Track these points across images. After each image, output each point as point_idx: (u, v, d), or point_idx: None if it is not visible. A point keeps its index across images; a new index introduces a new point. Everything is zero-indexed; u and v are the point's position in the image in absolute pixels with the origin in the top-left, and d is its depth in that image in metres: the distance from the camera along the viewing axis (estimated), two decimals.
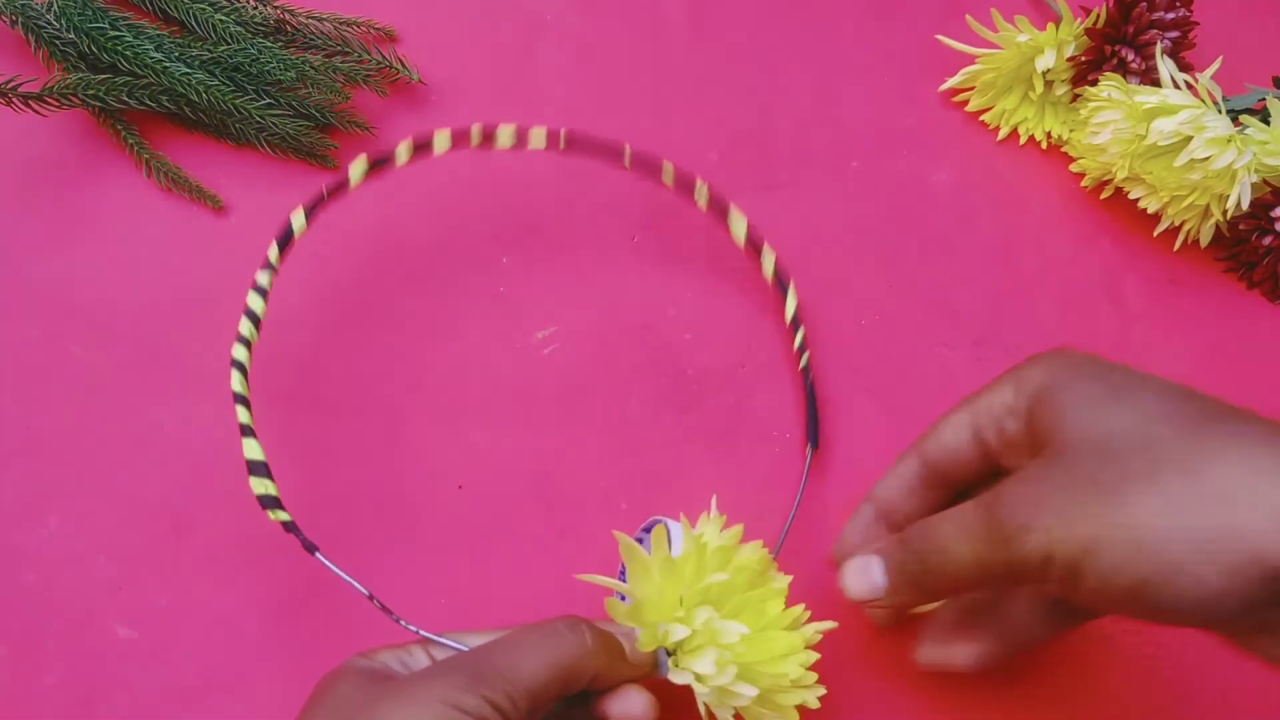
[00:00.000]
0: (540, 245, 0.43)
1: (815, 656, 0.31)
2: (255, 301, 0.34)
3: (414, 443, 0.39)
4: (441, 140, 0.38)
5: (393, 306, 0.41)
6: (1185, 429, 0.25)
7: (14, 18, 0.42)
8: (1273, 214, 0.42)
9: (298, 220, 0.36)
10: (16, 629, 0.35)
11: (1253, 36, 0.50)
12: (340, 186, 0.37)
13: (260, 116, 0.42)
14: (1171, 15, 0.43)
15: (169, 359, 0.39)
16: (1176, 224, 0.43)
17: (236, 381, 0.33)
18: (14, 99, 0.40)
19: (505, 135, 0.39)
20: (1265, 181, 0.41)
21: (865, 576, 0.30)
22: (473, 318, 0.41)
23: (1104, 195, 0.45)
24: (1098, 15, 0.44)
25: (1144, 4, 0.43)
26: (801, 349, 0.40)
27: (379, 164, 0.37)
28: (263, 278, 0.34)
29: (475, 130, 0.38)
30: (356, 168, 0.37)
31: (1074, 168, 0.46)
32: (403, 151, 0.37)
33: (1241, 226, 0.43)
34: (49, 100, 0.41)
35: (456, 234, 0.43)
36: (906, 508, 0.33)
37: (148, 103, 0.42)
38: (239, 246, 0.42)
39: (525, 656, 0.28)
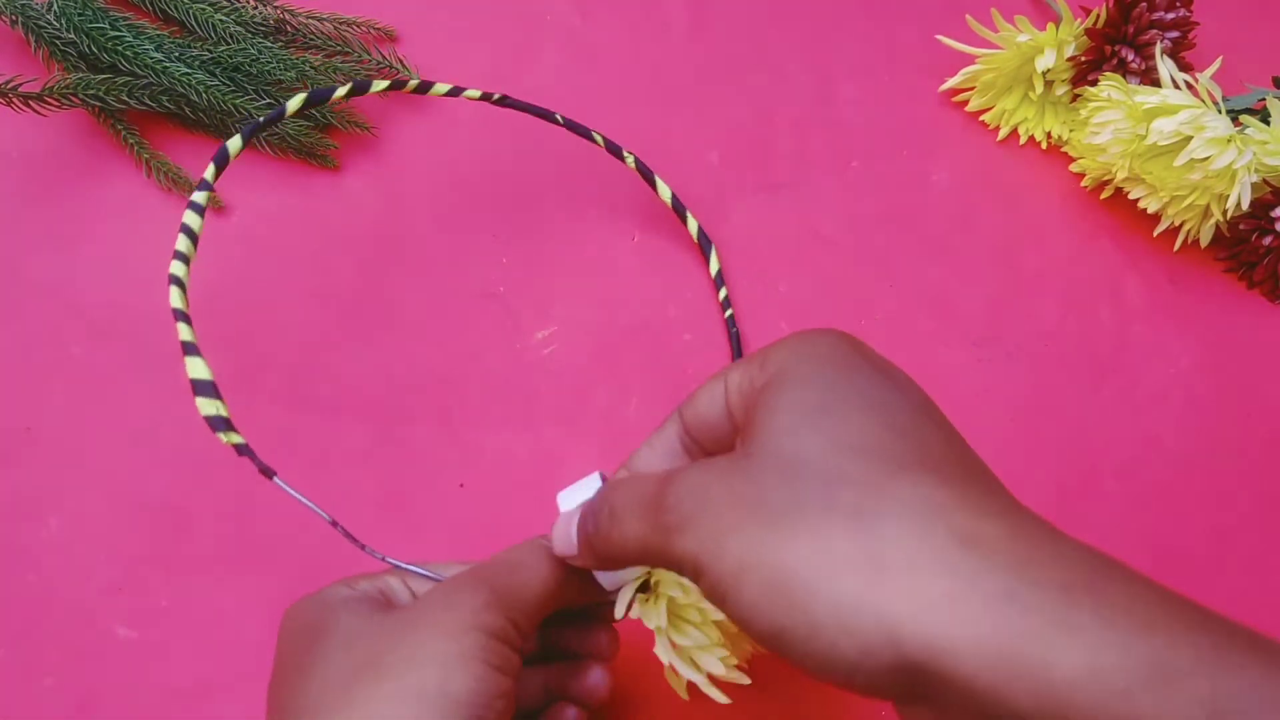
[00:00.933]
0: (540, 245, 0.43)
1: None
2: (191, 219, 0.32)
3: (414, 442, 0.39)
4: (378, 84, 0.38)
5: (393, 306, 0.41)
6: (875, 474, 0.21)
7: (14, 18, 0.42)
8: (1273, 214, 0.42)
9: (234, 144, 0.35)
10: (16, 629, 0.35)
11: (1253, 36, 0.50)
12: (278, 116, 0.36)
13: (260, 116, 0.42)
14: (1171, 15, 0.43)
15: (169, 359, 0.39)
16: (1176, 224, 0.43)
17: (175, 298, 0.31)
18: (14, 99, 0.40)
19: (441, 88, 0.39)
20: (1265, 181, 0.41)
21: (565, 531, 0.27)
22: (473, 318, 0.41)
23: (1104, 195, 0.45)
24: (1098, 15, 0.44)
25: (1144, 4, 0.43)
26: (726, 304, 0.41)
27: (319, 99, 0.36)
28: (199, 197, 0.33)
29: (413, 82, 0.39)
30: (294, 101, 0.36)
31: (1074, 168, 0.46)
32: (340, 91, 0.37)
33: (1241, 226, 0.43)
34: (49, 100, 0.41)
35: (456, 234, 0.43)
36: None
37: (148, 103, 0.42)
38: (239, 246, 0.42)
39: (530, 575, 0.27)
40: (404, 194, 0.43)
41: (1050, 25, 0.45)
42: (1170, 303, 0.44)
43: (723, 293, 0.41)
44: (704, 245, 0.41)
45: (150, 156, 0.42)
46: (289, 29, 0.45)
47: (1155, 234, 0.44)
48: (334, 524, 0.30)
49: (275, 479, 0.29)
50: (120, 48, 0.42)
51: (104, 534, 0.37)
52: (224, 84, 0.42)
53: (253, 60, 0.42)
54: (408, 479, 0.38)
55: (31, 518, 0.37)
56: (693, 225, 0.42)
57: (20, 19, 0.42)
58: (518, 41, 0.47)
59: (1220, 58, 0.43)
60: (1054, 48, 0.44)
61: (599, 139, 0.42)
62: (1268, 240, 0.43)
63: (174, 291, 0.31)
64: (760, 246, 0.44)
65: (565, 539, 0.27)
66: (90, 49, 0.42)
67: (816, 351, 0.24)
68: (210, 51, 0.43)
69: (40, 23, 0.42)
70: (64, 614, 0.35)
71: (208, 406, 0.30)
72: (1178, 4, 0.44)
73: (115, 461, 0.38)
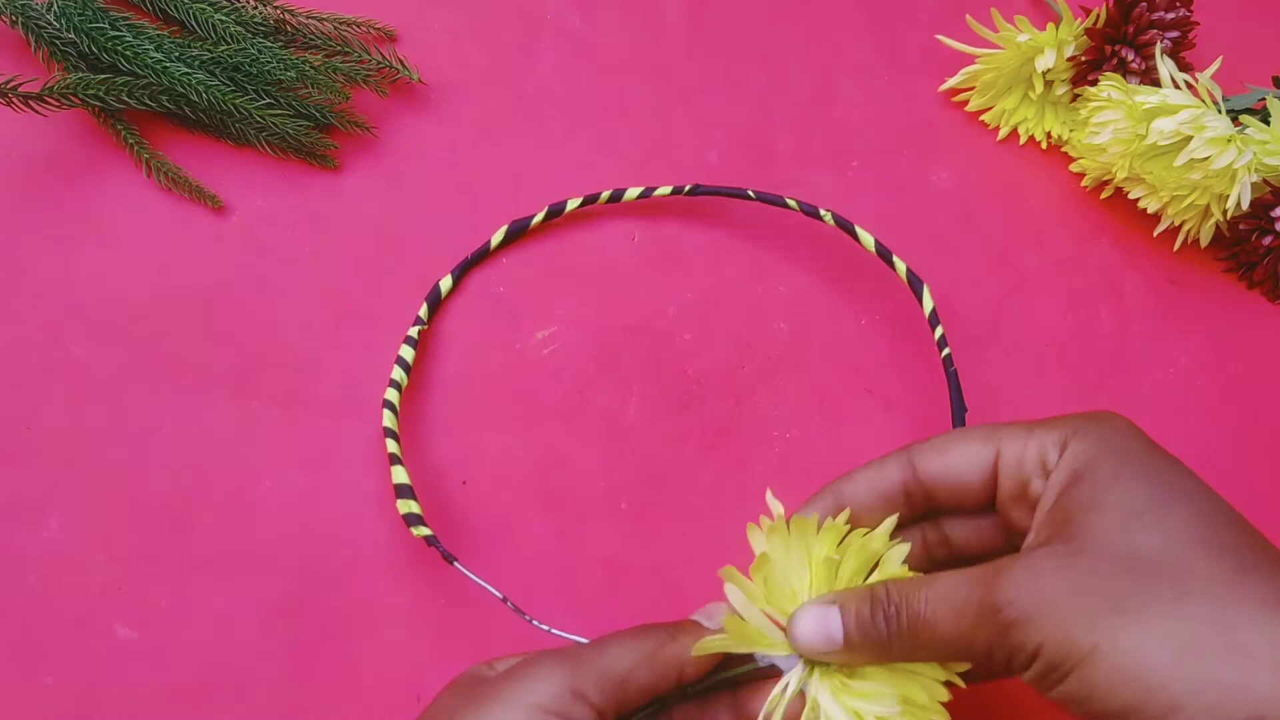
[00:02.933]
0: (540, 245, 0.43)
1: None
2: (406, 352, 0.39)
3: (414, 442, 0.39)
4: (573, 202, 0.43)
5: (392, 306, 0.41)
6: (1224, 569, 0.24)
7: (14, 18, 0.42)
8: (1273, 214, 0.42)
9: (445, 283, 0.41)
10: (16, 629, 0.35)
11: (1253, 36, 0.50)
12: (482, 251, 0.42)
13: (260, 116, 0.42)
14: (1171, 15, 0.43)
15: (169, 359, 0.39)
16: (1176, 224, 0.44)
17: (388, 419, 0.37)
18: (14, 99, 0.40)
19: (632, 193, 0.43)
20: (1265, 181, 0.41)
21: (821, 628, 0.27)
22: (472, 317, 0.41)
23: (1104, 195, 0.45)
24: (1098, 15, 0.44)
25: (1144, 4, 0.43)
26: (942, 343, 0.40)
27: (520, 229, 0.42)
28: (413, 331, 0.40)
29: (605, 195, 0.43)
30: (497, 236, 0.42)
31: (1074, 168, 0.46)
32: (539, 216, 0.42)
33: (1241, 226, 0.43)
34: (49, 100, 0.41)
35: (456, 234, 0.43)
36: (873, 516, 0.30)
37: (148, 103, 0.42)
38: (239, 246, 0.42)
39: (613, 645, 0.27)
40: (404, 194, 0.43)
41: (1050, 25, 0.45)
42: (1170, 303, 0.44)
43: (938, 331, 0.40)
44: (915, 286, 0.41)
45: (150, 156, 0.42)
46: (289, 29, 0.45)
47: (1155, 234, 0.44)
48: (504, 600, 0.32)
49: (455, 563, 0.33)
50: (120, 48, 0.42)
51: (104, 534, 0.37)
52: (224, 84, 0.42)
53: (253, 60, 0.42)
54: (409, 479, 0.38)
55: (31, 518, 0.37)
56: (900, 267, 0.41)
57: (20, 19, 0.42)
58: (518, 41, 0.47)
59: (1220, 58, 0.43)
60: (1054, 48, 0.44)
61: (793, 204, 0.42)
62: (1268, 240, 0.43)
63: (386, 414, 0.37)
64: (760, 246, 0.44)
65: (824, 639, 0.27)
66: (90, 49, 0.42)
67: (1124, 444, 0.27)
68: (210, 51, 0.43)
69: (40, 23, 0.42)
70: (64, 614, 0.35)
71: (404, 507, 0.35)
72: (1178, 4, 0.44)
73: (115, 461, 0.38)
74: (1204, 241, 0.44)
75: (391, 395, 0.38)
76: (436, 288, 0.41)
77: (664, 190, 0.43)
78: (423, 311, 0.40)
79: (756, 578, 0.28)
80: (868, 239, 0.41)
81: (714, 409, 0.40)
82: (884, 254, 0.41)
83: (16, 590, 0.36)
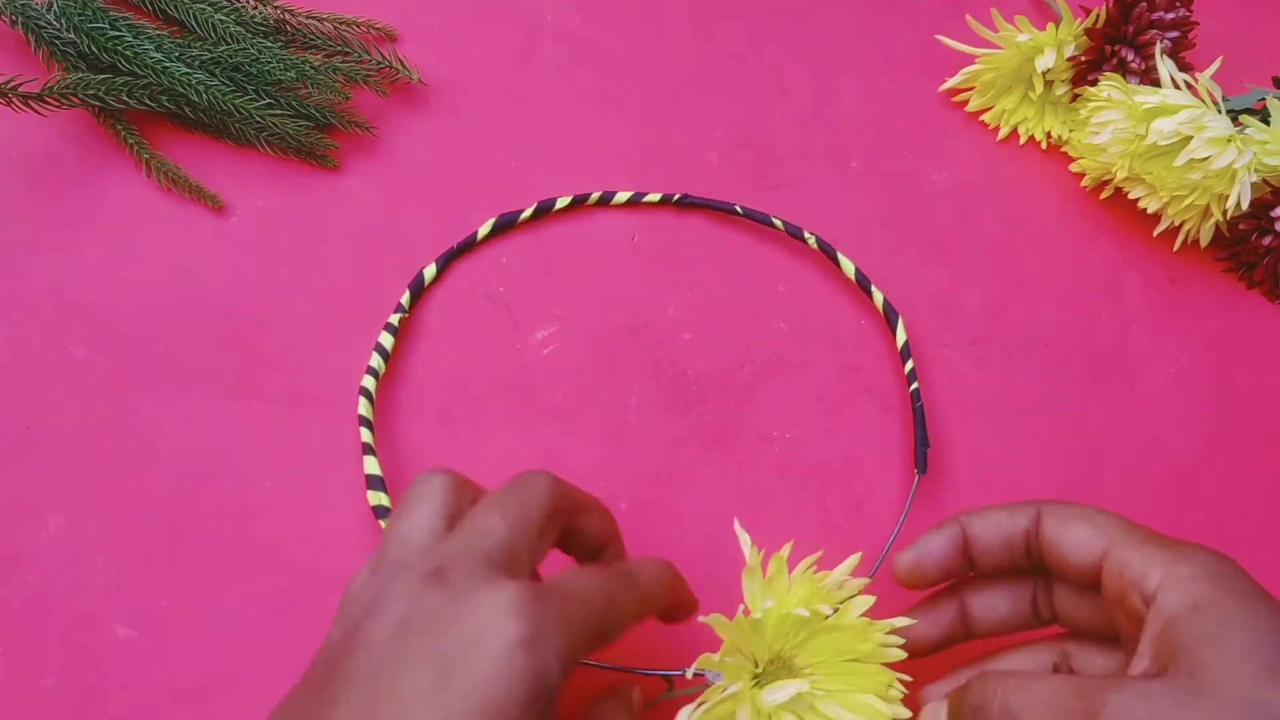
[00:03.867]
0: (540, 245, 0.43)
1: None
2: (385, 339, 0.39)
3: (414, 442, 0.39)
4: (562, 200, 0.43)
5: (392, 306, 0.41)
6: None
7: (14, 18, 0.42)
8: (1273, 214, 0.42)
9: (429, 271, 0.41)
10: (16, 629, 0.35)
11: (1253, 37, 0.50)
12: (468, 241, 0.42)
13: (260, 116, 0.42)
14: (1171, 15, 0.43)
15: (169, 359, 0.39)
16: (1176, 224, 0.44)
17: (362, 406, 0.38)
18: (14, 99, 0.40)
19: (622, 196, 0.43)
20: (1265, 181, 0.41)
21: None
22: (473, 318, 0.41)
23: (1104, 195, 0.45)
24: (1097, 15, 0.44)
25: (1144, 4, 0.43)
26: (911, 377, 0.40)
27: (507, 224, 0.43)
28: (394, 319, 0.40)
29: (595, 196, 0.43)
30: (484, 228, 0.42)
31: (1074, 168, 0.46)
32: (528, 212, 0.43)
33: (1241, 226, 0.43)
34: (49, 100, 0.41)
35: (456, 234, 0.43)
36: (990, 556, 0.31)
37: (148, 103, 0.42)
38: (239, 246, 0.42)
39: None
40: (404, 194, 0.43)
41: (1050, 25, 0.45)
42: (1170, 303, 0.44)
43: (909, 365, 0.40)
44: (890, 317, 0.41)
45: (150, 156, 0.42)
46: (289, 29, 0.45)
47: (1155, 234, 0.44)
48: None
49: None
50: (120, 48, 0.42)
51: (104, 534, 0.37)
52: (224, 84, 0.42)
53: (253, 60, 0.42)
54: (408, 478, 0.38)
55: (31, 518, 0.37)
56: (878, 298, 0.41)
57: (20, 19, 0.42)
58: (518, 41, 0.47)
59: (1220, 58, 0.43)
60: (1054, 48, 0.44)
61: (779, 224, 0.43)
62: (1267, 240, 0.43)
63: (362, 401, 0.38)
64: (760, 246, 0.44)
65: None
66: (90, 49, 0.42)
67: (1243, 586, 0.26)
68: (210, 51, 0.43)
69: (40, 23, 0.42)
70: (64, 614, 0.35)
71: (374, 499, 0.36)
72: (1178, 4, 0.44)
73: (115, 461, 0.38)
74: (1204, 241, 0.44)
75: (368, 383, 0.38)
76: (420, 275, 0.41)
77: (653, 197, 0.43)
78: (404, 299, 0.40)
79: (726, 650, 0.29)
80: (848, 266, 0.42)
81: (714, 409, 0.40)
82: (863, 283, 0.42)
83: (16, 590, 0.36)
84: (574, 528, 0.30)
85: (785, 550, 0.29)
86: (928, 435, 0.39)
